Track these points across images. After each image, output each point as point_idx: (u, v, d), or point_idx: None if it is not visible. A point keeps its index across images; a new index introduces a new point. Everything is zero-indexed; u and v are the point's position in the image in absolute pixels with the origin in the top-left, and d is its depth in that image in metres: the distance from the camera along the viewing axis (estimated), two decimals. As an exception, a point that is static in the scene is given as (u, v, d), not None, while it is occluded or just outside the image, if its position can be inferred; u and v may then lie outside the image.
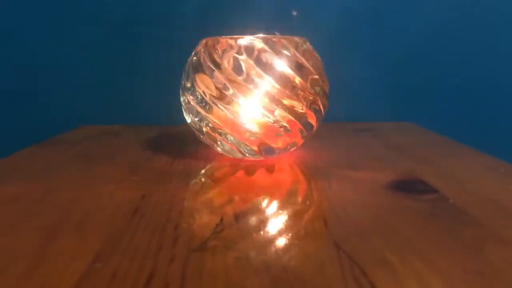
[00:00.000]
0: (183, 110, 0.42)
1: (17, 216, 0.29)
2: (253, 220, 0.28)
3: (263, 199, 0.32)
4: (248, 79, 0.37)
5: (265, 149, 0.40)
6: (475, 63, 0.65)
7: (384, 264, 0.22)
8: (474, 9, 0.64)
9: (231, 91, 0.37)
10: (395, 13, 0.64)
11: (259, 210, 0.30)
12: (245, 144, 0.40)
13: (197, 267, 0.22)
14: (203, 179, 0.38)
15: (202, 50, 0.39)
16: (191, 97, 0.40)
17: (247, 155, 0.41)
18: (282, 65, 0.37)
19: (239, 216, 0.29)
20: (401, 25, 0.64)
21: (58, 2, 0.63)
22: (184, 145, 0.49)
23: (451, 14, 0.64)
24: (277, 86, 0.37)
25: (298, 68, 0.38)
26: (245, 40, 0.38)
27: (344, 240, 0.25)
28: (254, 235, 0.26)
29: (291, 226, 0.27)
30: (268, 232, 0.26)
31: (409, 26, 0.64)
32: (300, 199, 0.33)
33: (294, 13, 0.61)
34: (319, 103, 0.39)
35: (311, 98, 0.38)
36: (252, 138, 0.39)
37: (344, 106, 0.62)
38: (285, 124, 0.38)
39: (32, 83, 0.66)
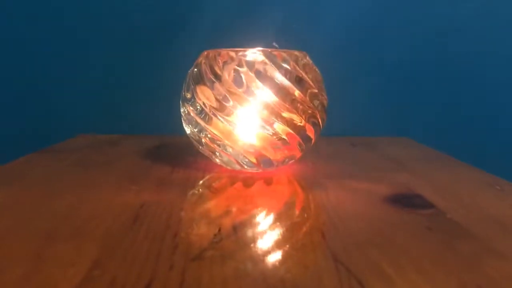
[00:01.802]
0: (182, 121, 0.42)
1: (16, 222, 0.29)
2: (251, 231, 0.28)
3: (261, 210, 0.32)
4: (248, 91, 0.37)
5: (264, 161, 0.40)
6: (473, 80, 0.66)
7: (381, 276, 0.22)
8: (473, 26, 0.64)
9: (231, 103, 0.38)
10: (393, 29, 0.65)
11: (257, 222, 0.30)
12: (244, 156, 0.40)
13: (196, 276, 0.22)
14: (201, 190, 0.38)
15: (203, 61, 0.40)
16: (191, 108, 0.40)
17: (246, 166, 0.41)
18: (282, 78, 0.38)
19: (237, 227, 0.29)
20: (399, 42, 0.65)
21: (60, 12, 0.64)
22: (183, 156, 0.49)
23: (449, 30, 0.65)
24: (277, 99, 0.37)
25: (298, 81, 0.38)
26: (246, 53, 0.38)
27: (342, 252, 0.25)
28: (252, 246, 0.26)
29: (289, 238, 0.28)
30: (266, 244, 0.27)
31: (408, 42, 0.65)
32: (297, 211, 0.33)
33: (294, 26, 0.61)
34: (318, 116, 0.40)
35: (310, 111, 0.39)
36: (250, 150, 0.39)
37: (342, 120, 0.63)
38: (283, 136, 0.39)
39: (32, 91, 0.66)
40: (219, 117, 0.38)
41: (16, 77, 0.66)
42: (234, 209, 0.33)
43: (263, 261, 0.24)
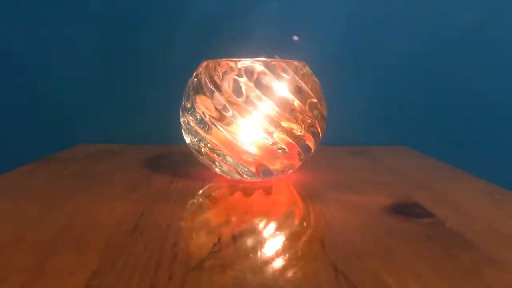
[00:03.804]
0: (182, 130, 0.42)
1: (16, 232, 0.29)
2: (250, 240, 0.28)
3: (261, 220, 0.32)
4: (248, 101, 0.38)
5: (263, 171, 0.40)
6: (472, 89, 0.66)
7: (381, 286, 0.22)
8: (472, 35, 0.65)
9: (230, 112, 0.38)
10: (392, 39, 0.65)
11: (256, 231, 0.30)
12: (243, 166, 0.40)
13: (195, 286, 0.22)
14: (201, 199, 0.38)
15: (203, 71, 0.40)
16: (190, 117, 0.40)
17: (245, 176, 0.41)
18: (281, 88, 0.38)
19: (236, 237, 0.29)
20: (398, 51, 0.65)
21: (60, 21, 0.64)
22: (182, 165, 0.49)
23: (447, 40, 0.65)
24: (276, 108, 0.38)
25: (297, 91, 0.39)
26: (245, 63, 0.39)
27: (342, 261, 0.25)
28: (252, 255, 0.26)
29: (288, 248, 0.28)
30: (265, 253, 0.27)
31: (406, 52, 0.65)
32: (297, 220, 0.33)
33: (295, 38, 0.62)
34: (317, 126, 0.40)
35: (309, 121, 0.39)
36: (250, 160, 0.39)
37: (341, 129, 0.63)
38: (283, 146, 0.39)
39: (32, 100, 0.66)
40: (219, 127, 0.38)
41: (16, 86, 0.66)
42: (233, 219, 0.33)
43: (262, 270, 0.24)
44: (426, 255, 0.26)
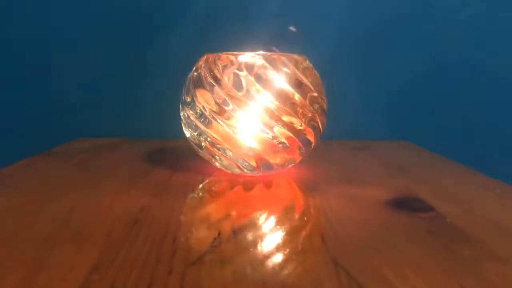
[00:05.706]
0: (182, 124, 0.42)
1: (15, 227, 0.29)
2: (250, 235, 0.28)
3: (261, 214, 0.32)
4: (248, 95, 0.37)
5: (264, 165, 0.40)
6: (472, 83, 0.66)
7: (382, 280, 0.22)
8: (472, 32, 0.65)
9: (230, 106, 0.38)
10: (393, 33, 0.65)
11: (256, 225, 0.30)
12: (244, 160, 0.40)
13: (195, 281, 0.22)
14: (201, 194, 0.38)
15: (203, 65, 0.40)
16: (190, 111, 0.40)
17: (245, 170, 0.41)
18: (281, 82, 0.38)
19: (236, 231, 0.29)
20: (399, 46, 0.65)
21: (60, 16, 0.64)
22: (182, 160, 0.49)
23: (449, 35, 0.65)
24: (277, 102, 0.37)
25: (298, 85, 0.38)
26: (245, 57, 0.38)
27: (342, 256, 0.25)
28: (252, 250, 0.26)
29: (288, 242, 0.27)
30: (265, 247, 0.26)
31: (407, 46, 0.65)
32: (297, 215, 0.33)
33: (293, 29, 0.61)
34: (318, 120, 0.40)
35: (309, 115, 0.39)
36: (250, 154, 0.39)
37: (341, 123, 0.63)
38: (283, 140, 0.39)
39: (31, 95, 0.66)
40: (219, 121, 0.38)
41: (14, 82, 0.66)
42: (233, 213, 0.33)
43: (262, 265, 0.24)
44: (427, 249, 0.26)
